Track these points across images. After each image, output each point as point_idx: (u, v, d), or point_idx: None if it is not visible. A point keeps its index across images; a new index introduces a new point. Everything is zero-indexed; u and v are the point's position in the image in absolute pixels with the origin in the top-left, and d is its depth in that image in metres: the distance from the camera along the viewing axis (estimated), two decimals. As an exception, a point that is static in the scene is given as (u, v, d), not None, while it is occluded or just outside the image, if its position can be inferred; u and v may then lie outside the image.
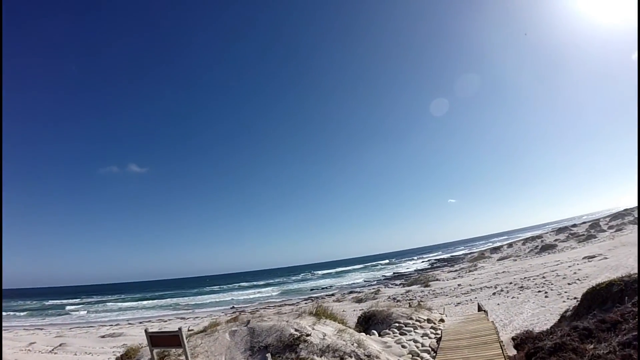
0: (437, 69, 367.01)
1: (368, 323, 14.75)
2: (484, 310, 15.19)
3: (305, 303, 62.61)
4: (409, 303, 34.29)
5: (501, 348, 9.64)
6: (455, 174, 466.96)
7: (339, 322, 13.15)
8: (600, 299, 13.10)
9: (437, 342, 11.63)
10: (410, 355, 10.71)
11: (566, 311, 15.47)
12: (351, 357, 9.92)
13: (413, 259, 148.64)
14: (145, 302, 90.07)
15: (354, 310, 43.21)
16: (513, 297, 28.46)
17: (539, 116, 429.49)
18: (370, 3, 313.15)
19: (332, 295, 69.08)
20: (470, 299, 33.40)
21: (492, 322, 12.65)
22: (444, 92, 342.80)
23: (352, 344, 10.67)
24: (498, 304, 27.02)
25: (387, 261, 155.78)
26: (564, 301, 22.75)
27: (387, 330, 13.18)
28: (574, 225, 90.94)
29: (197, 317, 58.27)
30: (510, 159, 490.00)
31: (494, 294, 33.44)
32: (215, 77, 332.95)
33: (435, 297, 40.98)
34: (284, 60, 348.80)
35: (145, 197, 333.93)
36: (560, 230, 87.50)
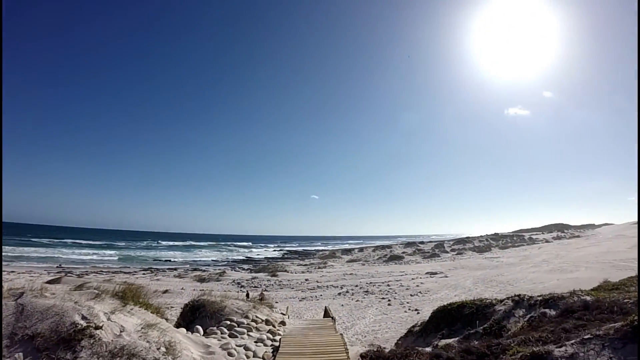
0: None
1: (194, 315, 11.43)
2: (332, 317, 13.19)
3: (144, 274, 56.46)
4: (247, 293, 31.93)
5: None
6: (322, 171, 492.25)
7: (152, 312, 9.46)
8: (449, 318, 12.25)
9: (273, 352, 8.97)
10: (236, 370, 7.80)
11: (414, 326, 14.51)
12: (151, 367, 6.52)
13: (268, 247, 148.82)
14: None
15: (194, 290, 39.27)
16: (357, 300, 28.22)
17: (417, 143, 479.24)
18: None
19: (175, 269, 63.50)
20: (315, 296, 32.59)
21: (341, 335, 10.52)
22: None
23: (159, 348, 7.15)
24: (342, 305, 26.36)
25: (244, 244, 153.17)
26: (405, 311, 22.85)
27: (214, 329, 10.07)
28: (422, 242, 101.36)
29: (12, 272, 48.13)
30: (373, 168, 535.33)
31: (339, 294, 33.21)
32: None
33: (281, 289, 39.68)
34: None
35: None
36: (408, 245, 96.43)
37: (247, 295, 33.51)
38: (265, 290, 39.07)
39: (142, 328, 7.74)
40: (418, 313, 22.00)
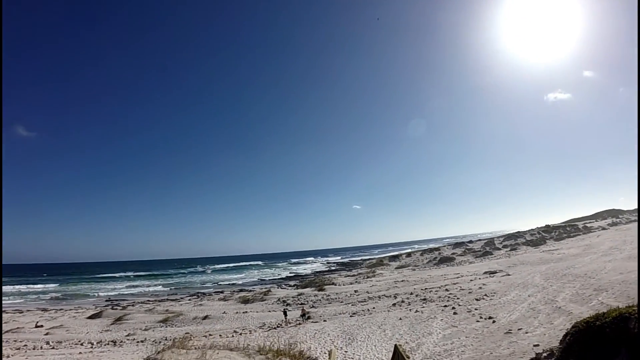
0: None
1: None
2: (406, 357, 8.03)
3: (189, 299, 55.50)
4: (284, 311, 29.33)
5: None
6: (361, 181, 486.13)
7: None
8: (602, 340, 7.31)
9: None
10: None
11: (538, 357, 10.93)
12: None
13: (314, 261, 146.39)
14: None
15: (236, 312, 37.07)
16: (417, 311, 24.66)
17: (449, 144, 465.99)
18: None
19: (221, 292, 62.28)
20: (368, 309, 29.31)
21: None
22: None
23: None
24: (400, 319, 22.95)
25: (287, 261, 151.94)
26: (477, 320, 19.19)
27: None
28: (470, 242, 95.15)
29: (59, 310, 48.95)
30: (411, 175, 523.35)
31: (394, 304, 29.67)
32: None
33: (329, 303, 36.60)
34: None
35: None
36: (457, 245, 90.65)
37: (285, 314, 30.83)
38: (313, 306, 36.18)
39: None
40: (494, 322, 18.32)
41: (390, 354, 16.25)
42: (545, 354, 8.65)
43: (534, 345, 13.45)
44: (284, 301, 41.54)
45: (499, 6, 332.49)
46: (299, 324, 27.41)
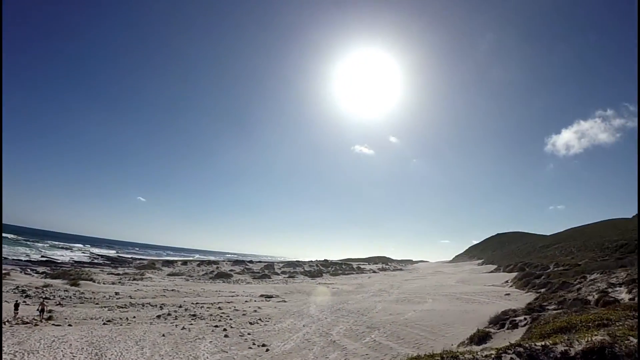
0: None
1: None
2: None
3: None
4: (16, 303, 22.42)
5: None
6: (148, 172, 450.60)
7: None
8: None
9: None
10: None
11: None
12: None
13: (77, 248, 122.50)
14: None
15: None
16: (184, 328, 21.47)
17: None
18: None
19: None
20: (127, 317, 24.43)
21: None
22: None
23: None
24: (163, 335, 19.35)
25: (47, 242, 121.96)
26: (250, 347, 17.49)
27: None
28: (251, 262, 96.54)
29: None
30: (207, 178, 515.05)
31: (158, 316, 25.62)
32: None
33: (82, 303, 29.73)
34: None
35: None
36: (237, 262, 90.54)
37: (16, 307, 22.86)
38: (60, 304, 28.41)
39: None
40: (267, 350, 16.96)
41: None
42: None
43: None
44: (23, 291, 31.87)
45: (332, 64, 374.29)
46: (36, 324, 20.48)
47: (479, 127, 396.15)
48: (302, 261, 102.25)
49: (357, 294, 40.89)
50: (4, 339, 16.46)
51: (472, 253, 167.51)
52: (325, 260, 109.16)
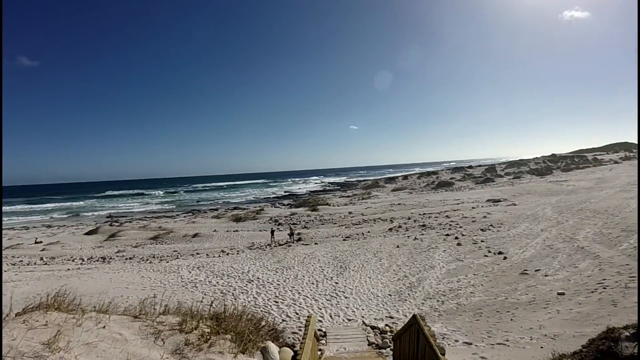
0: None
1: None
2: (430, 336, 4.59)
3: (185, 216, 55.19)
4: (272, 230, 28.02)
5: None
6: (357, 101, 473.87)
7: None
8: None
9: None
10: None
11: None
12: None
13: (309, 180, 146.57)
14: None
15: (227, 231, 35.90)
16: (415, 239, 22.89)
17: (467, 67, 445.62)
18: None
19: (216, 209, 61.65)
20: (362, 233, 27.76)
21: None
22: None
23: None
24: (398, 247, 21.20)
25: (285, 180, 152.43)
26: (485, 255, 17.30)
27: None
28: (470, 167, 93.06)
29: (62, 227, 49.29)
30: (406, 93, 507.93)
31: (390, 229, 28.05)
32: None
33: (322, 224, 35.38)
34: None
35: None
36: (456, 170, 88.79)
37: (272, 233, 29.39)
38: (305, 227, 34.93)
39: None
40: (505, 258, 16.38)
41: (387, 290, 14.47)
42: None
43: (559, 294, 11.45)
44: (275, 220, 40.47)
45: None
46: (289, 245, 26.08)
47: None
48: (525, 159, 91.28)
49: (600, 191, 34.04)
50: (266, 258, 21.33)
51: None
52: (553, 155, 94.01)
